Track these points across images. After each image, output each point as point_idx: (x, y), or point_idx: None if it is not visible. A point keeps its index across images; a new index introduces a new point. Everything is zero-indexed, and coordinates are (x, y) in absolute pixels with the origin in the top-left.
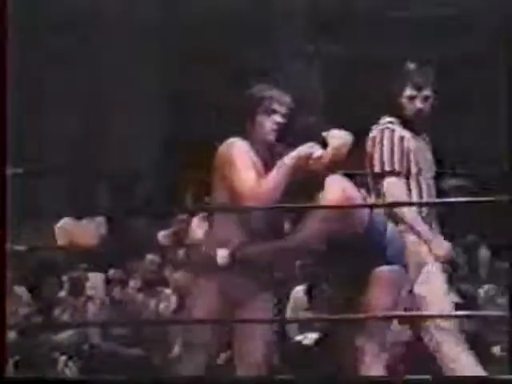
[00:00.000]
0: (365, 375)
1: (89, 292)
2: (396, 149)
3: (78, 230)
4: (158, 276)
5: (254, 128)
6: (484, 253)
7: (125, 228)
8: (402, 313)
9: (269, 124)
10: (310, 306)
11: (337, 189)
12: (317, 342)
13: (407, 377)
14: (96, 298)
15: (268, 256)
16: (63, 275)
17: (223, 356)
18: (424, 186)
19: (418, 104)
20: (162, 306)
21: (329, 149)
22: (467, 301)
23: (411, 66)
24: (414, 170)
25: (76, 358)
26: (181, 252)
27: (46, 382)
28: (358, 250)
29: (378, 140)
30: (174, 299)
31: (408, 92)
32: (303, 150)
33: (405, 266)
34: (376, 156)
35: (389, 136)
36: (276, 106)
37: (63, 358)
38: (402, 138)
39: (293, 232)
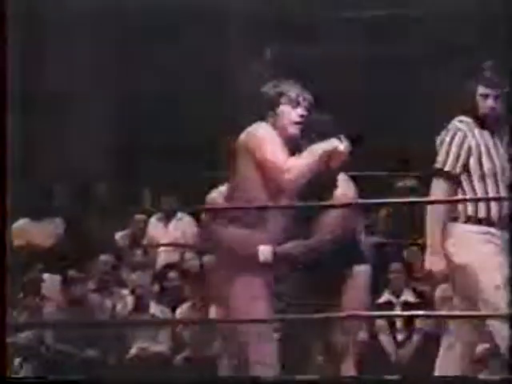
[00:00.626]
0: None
1: (45, 293)
2: (456, 149)
3: (36, 231)
4: (114, 277)
5: (277, 119)
6: None
7: (82, 229)
8: (399, 312)
9: (293, 116)
10: None
11: (351, 186)
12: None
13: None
14: (52, 299)
15: (303, 254)
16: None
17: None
18: (491, 184)
19: (491, 102)
20: (118, 306)
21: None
22: (423, 300)
23: (485, 64)
24: (476, 168)
25: (31, 359)
26: (138, 253)
27: (45, 382)
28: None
29: (445, 140)
30: (130, 300)
31: (481, 90)
32: (332, 143)
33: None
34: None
35: (452, 136)
36: (300, 100)
37: (18, 359)
38: (465, 137)
39: (317, 230)
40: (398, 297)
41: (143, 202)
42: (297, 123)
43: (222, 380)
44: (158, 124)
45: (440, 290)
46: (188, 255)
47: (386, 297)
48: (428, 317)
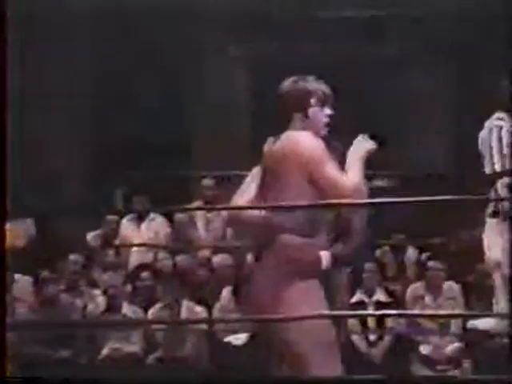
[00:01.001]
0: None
1: (16, 294)
2: (504, 146)
3: (7, 232)
4: (85, 277)
5: (308, 122)
6: (411, 252)
7: (53, 229)
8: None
9: (322, 117)
10: (236, 306)
11: None
12: (246, 343)
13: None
14: (23, 300)
15: (348, 256)
16: None
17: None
18: None
19: None
20: (90, 306)
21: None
22: (395, 300)
23: None
24: None
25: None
26: (110, 253)
27: (45, 382)
28: None
29: (486, 141)
30: (102, 300)
31: None
32: (370, 143)
33: None
34: (487, 157)
35: (497, 135)
36: (325, 98)
37: None
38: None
39: (348, 231)
40: (370, 296)
41: (115, 202)
42: (326, 125)
43: (197, 380)
44: (131, 124)
45: (411, 290)
46: (161, 255)
47: (358, 296)
48: (400, 316)
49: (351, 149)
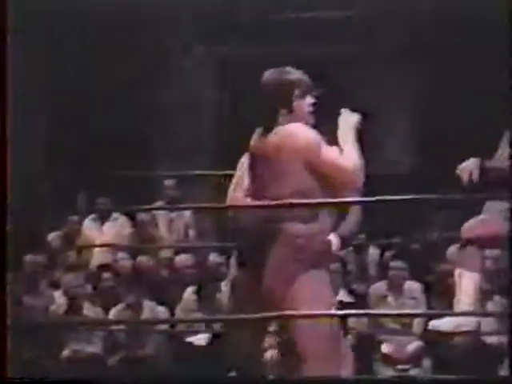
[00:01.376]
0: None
1: None
2: None
3: None
4: (46, 277)
5: (294, 114)
6: (373, 252)
7: (14, 229)
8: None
9: (306, 107)
10: (198, 306)
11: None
12: (209, 343)
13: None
14: None
15: (355, 234)
16: None
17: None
18: None
19: None
20: (52, 307)
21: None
22: (358, 300)
23: None
24: None
25: None
26: (72, 253)
27: (45, 382)
28: None
29: None
30: (63, 301)
31: None
32: (354, 116)
33: None
34: None
35: None
36: (306, 88)
37: None
38: None
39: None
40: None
41: (77, 202)
42: (311, 113)
43: (159, 381)
44: (92, 124)
45: (373, 290)
46: (122, 255)
47: None
48: (365, 316)
49: (340, 125)
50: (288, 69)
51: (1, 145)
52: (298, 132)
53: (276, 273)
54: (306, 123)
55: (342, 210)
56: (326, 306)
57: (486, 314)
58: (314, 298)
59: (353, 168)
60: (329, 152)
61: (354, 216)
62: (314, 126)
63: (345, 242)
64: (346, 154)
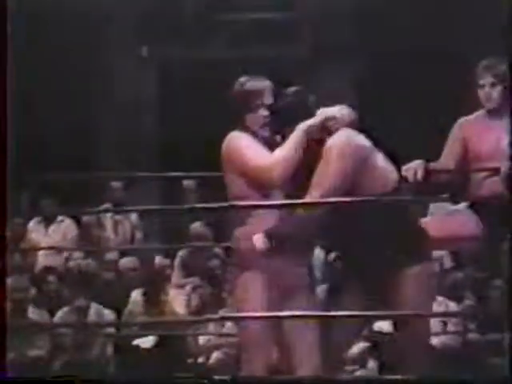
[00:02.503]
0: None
1: None
2: None
3: None
4: None
5: (248, 125)
6: (318, 253)
7: None
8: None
9: (259, 120)
10: (145, 309)
11: (343, 136)
12: (155, 345)
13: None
14: None
15: (298, 229)
16: None
17: None
18: None
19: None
20: None
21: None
22: None
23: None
24: None
25: None
26: (16, 257)
27: (46, 382)
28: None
29: None
30: (8, 304)
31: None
32: (321, 114)
33: None
34: None
35: None
36: (259, 100)
37: None
38: None
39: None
40: None
41: (21, 204)
42: (265, 124)
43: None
44: (36, 124)
45: (321, 291)
46: (68, 258)
47: None
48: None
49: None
50: (247, 79)
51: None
52: (228, 140)
53: (232, 279)
54: (255, 134)
55: (309, 210)
56: (252, 308)
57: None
58: (242, 300)
59: (268, 165)
60: (252, 155)
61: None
62: (264, 138)
63: (274, 240)
64: (272, 154)
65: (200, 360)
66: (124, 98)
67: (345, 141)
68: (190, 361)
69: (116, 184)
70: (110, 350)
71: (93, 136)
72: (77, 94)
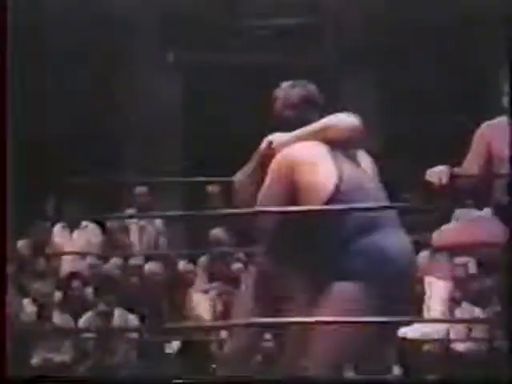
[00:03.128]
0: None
1: None
2: None
3: None
4: (15, 285)
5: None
6: None
7: None
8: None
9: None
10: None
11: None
12: (180, 350)
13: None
14: None
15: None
16: None
17: None
18: None
19: None
20: (20, 315)
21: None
22: None
23: None
24: None
25: None
26: (41, 261)
27: (46, 382)
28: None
29: None
30: (32, 309)
31: None
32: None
33: None
34: None
35: None
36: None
37: None
38: None
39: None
40: None
41: (47, 209)
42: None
43: None
44: (62, 130)
45: None
46: (93, 263)
47: None
48: (332, 323)
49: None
50: (302, 82)
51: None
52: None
53: None
54: None
55: None
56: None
57: (455, 321)
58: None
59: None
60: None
61: None
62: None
63: None
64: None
65: (223, 366)
66: (149, 104)
67: (280, 155)
68: (214, 366)
69: (141, 189)
70: (134, 354)
71: (118, 141)
72: (103, 99)
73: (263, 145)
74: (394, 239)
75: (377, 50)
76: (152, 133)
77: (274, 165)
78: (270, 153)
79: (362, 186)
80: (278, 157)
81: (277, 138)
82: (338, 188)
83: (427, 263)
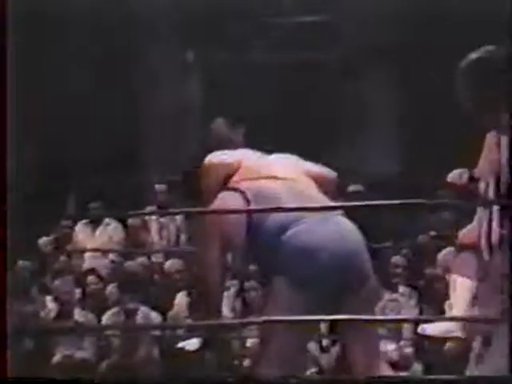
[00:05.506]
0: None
1: None
2: None
3: None
4: (36, 283)
5: None
6: None
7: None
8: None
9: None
10: (190, 312)
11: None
12: (200, 348)
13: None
14: None
15: None
16: None
17: None
18: None
19: None
20: (42, 313)
21: None
22: None
23: None
24: None
25: None
26: (62, 258)
27: (46, 382)
28: None
29: None
30: (53, 306)
31: None
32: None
33: None
34: None
35: None
36: None
37: None
38: None
39: None
40: None
41: (69, 207)
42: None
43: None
44: (84, 129)
45: None
46: (114, 260)
47: None
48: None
49: None
50: None
51: (1, 144)
52: None
53: None
54: None
55: None
56: None
57: (476, 320)
58: None
59: None
60: None
61: None
62: None
63: None
64: None
65: (246, 363)
66: (169, 102)
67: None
68: (235, 363)
69: (161, 187)
70: (156, 352)
71: (138, 140)
72: (123, 98)
73: None
74: (326, 227)
75: (398, 46)
76: (172, 131)
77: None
78: None
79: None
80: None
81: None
82: None
83: (452, 260)
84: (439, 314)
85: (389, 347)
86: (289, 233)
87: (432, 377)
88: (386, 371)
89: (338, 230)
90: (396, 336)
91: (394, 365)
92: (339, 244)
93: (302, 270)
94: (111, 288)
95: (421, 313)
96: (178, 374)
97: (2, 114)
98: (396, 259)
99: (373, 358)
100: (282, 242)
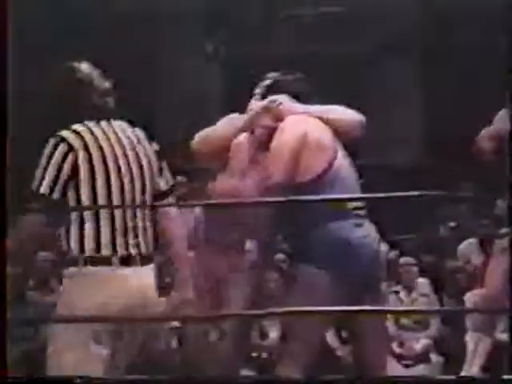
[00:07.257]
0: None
1: None
2: None
3: None
4: (55, 274)
5: None
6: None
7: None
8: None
9: None
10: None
11: (297, 130)
12: (218, 339)
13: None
14: None
15: None
16: None
17: None
18: None
19: None
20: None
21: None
22: None
23: None
24: None
25: None
26: None
27: (45, 382)
28: None
29: None
30: None
31: None
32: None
33: None
34: None
35: None
36: None
37: None
38: None
39: None
40: None
41: None
42: None
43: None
44: None
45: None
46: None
47: None
48: (374, 312)
49: None
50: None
51: (1, 143)
52: None
53: None
54: None
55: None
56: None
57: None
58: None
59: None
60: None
61: None
62: None
63: None
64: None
65: (264, 354)
66: (189, 95)
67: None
68: (254, 355)
69: (180, 178)
70: (174, 343)
71: (158, 132)
72: (142, 90)
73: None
74: (359, 232)
75: (417, 40)
76: (191, 124)
77: (288, 136)
78: (274, 111)
79: (343, 176)
80: (291, 129)
81: (286, 101)
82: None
83: (474, 320)
84: (459, 305)
85: (411, 340)
86: (331, 226)
87: (432, 377)
88: (394, 369)
89: (370, 235)
90: (418, 329)
91: (413, 357)
92: (371, 249)
93: (346, 264)
94: None
95: (441, 305)
96: (196, 367)
97: (2, 114)
98: (415, 251)
99: (381, 356)
100: (323, 232)
